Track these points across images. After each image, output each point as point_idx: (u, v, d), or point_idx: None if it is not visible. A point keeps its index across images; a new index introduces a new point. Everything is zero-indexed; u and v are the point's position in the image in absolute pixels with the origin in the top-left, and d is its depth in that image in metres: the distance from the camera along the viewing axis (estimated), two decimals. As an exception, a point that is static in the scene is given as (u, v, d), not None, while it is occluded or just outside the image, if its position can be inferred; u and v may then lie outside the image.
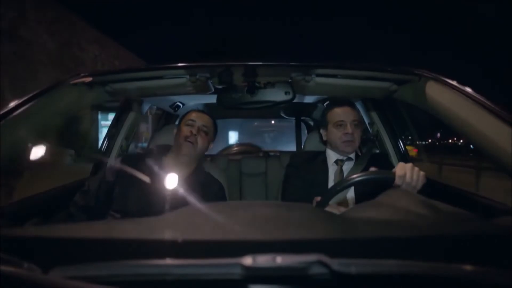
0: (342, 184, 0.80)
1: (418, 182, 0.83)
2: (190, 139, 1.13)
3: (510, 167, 0.75)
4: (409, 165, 0.86)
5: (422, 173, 0.85)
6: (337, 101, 1.31)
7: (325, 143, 1.36)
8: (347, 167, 1.27)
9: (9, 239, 0.45)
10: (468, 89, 0.85)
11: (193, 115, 1.19)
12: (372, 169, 0.87)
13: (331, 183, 1.24)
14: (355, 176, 0.82)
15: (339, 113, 1.25)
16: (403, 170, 0.83)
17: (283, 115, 2.83)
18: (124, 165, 1.13)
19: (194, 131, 1.15)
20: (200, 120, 1.18)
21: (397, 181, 0.81)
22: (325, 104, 1.43)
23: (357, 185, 0.81)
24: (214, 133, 1.25)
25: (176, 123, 2.06)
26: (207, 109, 1.80)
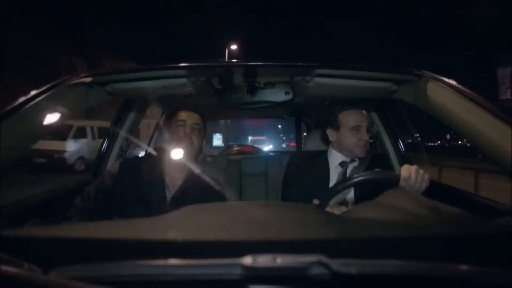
0: (344, 183, 0.80)
1: (422, 185, 0.83)
2: (185, 139, 1.13)
3: (510, 167, 0.75)
4: (414, 167, 0.86)
5: (426, 175, 0.85)
6: (350, 102, 1.26)
7: (328, 143, 1.32)
8: (350, 169, 1.25)
9: (9, 239, 0.45)
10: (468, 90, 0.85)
11: (183, 115, 1.19)
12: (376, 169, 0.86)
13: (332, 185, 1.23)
14: (359, 175, 0.82)
15: (356, 117, 1.22)
16: (408, 172, 0.83)
17: (284, 115, 2.83)
18: (123, 168, 1.13)
19: (188, 131, 1.15)
20: (191, 119, 1.18)
21: (402, 182, 0.81)
22: (326, 104, 1.39)
23: (357, 185, 0.80)
24: (205, 129, 1.26)
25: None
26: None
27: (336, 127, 1.25)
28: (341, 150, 1.26)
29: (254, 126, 20.47)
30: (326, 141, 1.35)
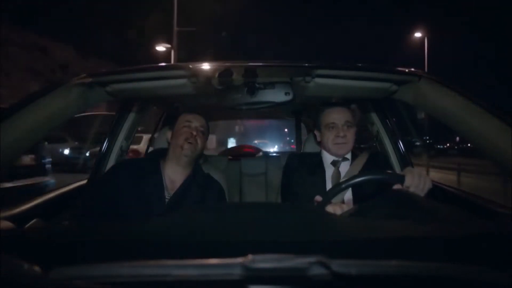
0: (348, 182, 0.79)
1: (425, 186, 0.84)
2: (191, 141, 1.14)
3: (510, 167, 0.75)
4: (417, 169, 0.88)
5: (429, 178, 0.86)
6: (329, 102, 1.30)
7: (319, 144, 1.36)
8: (343, 168, 1.26)
9: (10, 240, 0.45)
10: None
11: (189, 117, 1.20)
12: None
13: (328, 185, 1.24)
14: (363, 174, 0.81)
15: (331, 115, 1.25)
16: (413, 174, 0.84)
17: (284, 116, 2.83)
18: (122, 170, 1.13)
19: (194, 132, 1.16)
20: (196, 121, 1.19)
21: (407, 183, 0.81)
22: (319, 105, 1.43)
23: (361, 184, 0.80)
24: (208, 133, 1.27)
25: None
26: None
27: (319, 127, 1.31)
28: (325, 149, 1.30)
29: (262, 130, 24.46)
30: (318, 143, 1.38)
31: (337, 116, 1.24)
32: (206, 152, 2.04)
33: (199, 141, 1.17)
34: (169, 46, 11.29)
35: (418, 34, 18.00)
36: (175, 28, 11.39)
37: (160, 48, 11.30)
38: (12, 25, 8.83)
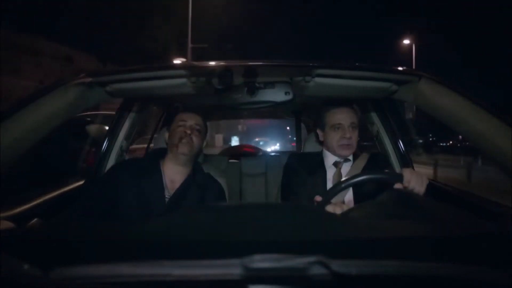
0: (348, 181, 0.80)
1: (423, 185, 0.84)
2: (185, 140, 1.14)
3: (510, 167, 0.76)
4: (415, 170, 0.89)
5: (425, 176, 0.86)
6: (335, 102, 1.29)
7: (321, 143, 1.34)
8: (345, 169, 1.26)
9: (10, 240, 0.45)
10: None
11: (184, 116, 1.19)
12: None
13: (329, 185, 1.23)
14: (362, 174, 0.82)
15: (337, 115, 1.24)
16: (410, 173, 0.84)
17: (284, 116, 2.83)
18: (122, 170, 1.13)
19: (188, 131, 1.15)
20: (191, 119, 1.19)
21: (406, 179, 0.82)
22: (322, 105, 1.42)
23: (360, 184, 0.80)
24: (205, 131, 1.26)
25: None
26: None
27: (322, 127, 1.29)
28: (328, 149, 1.29)
29: (264, 129, 25.13)
30: (320, 142, 1.37)
31: (343, 117, 1.23)
32: (213, 150, 2.04)
33: (194, 139, 1.16)
34: (184, 60, 13.00)
35: (406, 41, 19.92)
36: (190, 45, 13.64)
37: (177, 61, 12.99)
38: (45, 37, 9.85)
